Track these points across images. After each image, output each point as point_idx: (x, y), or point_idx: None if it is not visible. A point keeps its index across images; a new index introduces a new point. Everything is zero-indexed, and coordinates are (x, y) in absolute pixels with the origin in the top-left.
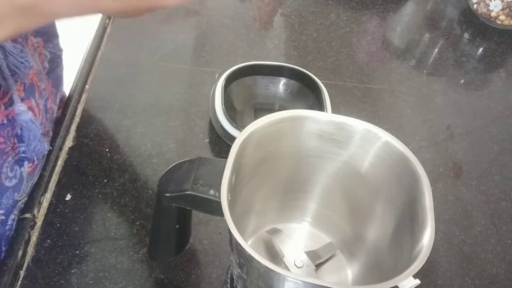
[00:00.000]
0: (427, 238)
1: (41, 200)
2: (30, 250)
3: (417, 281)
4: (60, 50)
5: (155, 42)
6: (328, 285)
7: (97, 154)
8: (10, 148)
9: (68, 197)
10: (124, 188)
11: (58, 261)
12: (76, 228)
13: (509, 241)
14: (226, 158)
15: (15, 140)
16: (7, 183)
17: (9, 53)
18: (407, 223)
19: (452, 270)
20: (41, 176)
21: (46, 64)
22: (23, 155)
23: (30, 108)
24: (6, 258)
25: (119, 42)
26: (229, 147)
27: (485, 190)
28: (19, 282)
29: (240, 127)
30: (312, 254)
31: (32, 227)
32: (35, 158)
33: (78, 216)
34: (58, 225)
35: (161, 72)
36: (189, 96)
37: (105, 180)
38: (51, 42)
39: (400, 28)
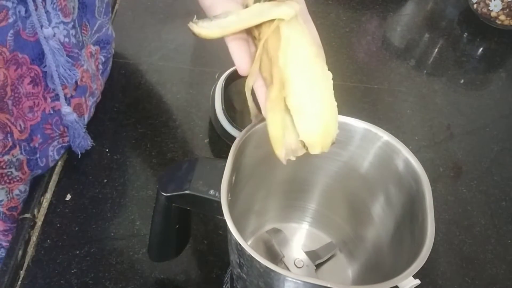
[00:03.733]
0: (427, 238)
1: (41, 200)
2: (30, 250)
3: (417, 281)
4: (111, 52)
5: (155, 42)
6: (328, 285)
7: (97, 154)
8: (57, 134)
9: (68, 197)
10: (124, 188)
11: (58, 261)
12: (76, 228)
13: (509, 241)
14: (226, 158)
15: (65, 129)
16: (51, 164)
17: (61, 66)
18: (407, 223)
19: (452, 270)
20: (41, 176)
21: (100, 66)
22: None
23: (78, 105)
24: (6, 258)
25: (119, 42)
26: (229, 147)
27: (485, 190)
28: (19, 282)
29: (240, 127)
30: (312, 254)
31: (32, 227)
32: (79, 152)
33: (78, 216)
34: (58, 225)
35: (161, 72)
36: (189, 96)
37: (105, 180)
38: (105, 48)
39: (400, 28)
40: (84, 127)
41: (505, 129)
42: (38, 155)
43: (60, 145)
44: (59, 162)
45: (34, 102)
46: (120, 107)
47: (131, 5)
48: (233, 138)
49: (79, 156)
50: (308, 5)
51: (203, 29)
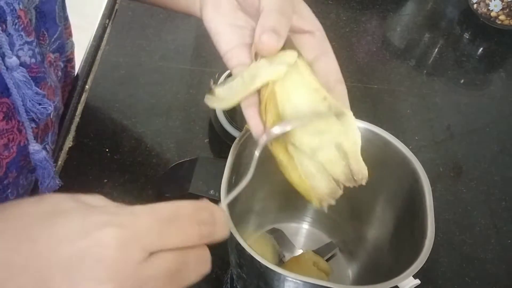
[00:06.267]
0: (427, 238)
1: None
2: None
3: (417, 281)
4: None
5: (155, 42)
6: (328, 285)
7: (97, 154)
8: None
9: None
10: (124, 188)
11: None
12: None
13: (509, 241)
14: (226, 158)
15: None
16: (20, 191)
17: (29, 100)
18: (407, 223)
19: (452, 270)
20: None
21: (60, 73)
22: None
23: (45, 125)
24: None
25: (119, 42)
26: (229, 147)
27: (485, 190)
28: None
29: (240, 127)
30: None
31: None
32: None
33: None
34: None
35: (161, 72)
36: (189, 96)
37: (105, 180)
38: (64, 54)
39: (400, 28)
40: (54, 166)
41: (505, 129)
42: (9, 190)
43: (27, 170)
44: (59, 162)
45: (8, 138)
46: (120, 107)
47: (131, 5)
48: (233, 138)
49: (79, 156)
50: (308, 5)
51: (216, 103)
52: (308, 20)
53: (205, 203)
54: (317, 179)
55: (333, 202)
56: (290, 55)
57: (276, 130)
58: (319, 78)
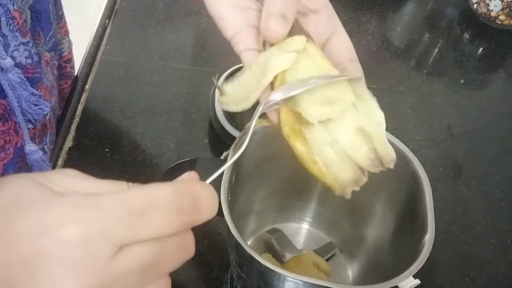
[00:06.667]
0: (427, 238)
1: None
2: None
3: (417, 281)
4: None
5: (155, 42)
6: (328, 285)
7: (97, 154)
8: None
9: None
10: None
11: None
12: None
13: (509, 241)
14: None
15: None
16: None
17: (25, 101)
18: (407, 223)
19: (452, 270)
20: None
21: (56, 72)
22: None
23: (43, 126)
24: None
25: (119, 42)
26: (229, 147)
27: (485, 190)
28: None
29: (240, 127)
30: None
31: None
32: None
33: None
34: None
35: (161, 72)
36: (189, 96)
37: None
38: (58, 51)
39: (400, 28)
40: (50, 163)
41: (505, 129)
42: None
43: (25, 172)
44: (59, 162)
45: (5, 140)
46: (120, 107)
47: (131, 5)
48: (233, 138)
49: (79, 156)
50: None
51: (231, 105)
52: None
53: (187, 186)
54: (339, 167)
55: (357, 189)
56: (298, 41)
57: (277, 96)
58: (331, 59)
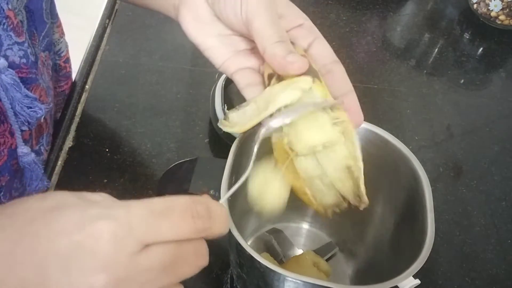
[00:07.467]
0: (427, 238)
1: None
2: None
3: (417, 281)
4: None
5: (155, 42)
6: (328, 285)
7: (97, 154)
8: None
9: None
10: (124, 188)
11: None
12: None
13: (509, 241)
14: (226, 158)
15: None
16: (14, 194)
17: (18, 103)
18: (407, 223)
19: (452, 270)
20: None
21: (51, 72)
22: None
23: (39, 126)
24: None
25: (119, 42)
26: (229, 147)
27: (485, 190)
28: None
29: None
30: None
31: None
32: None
33: None
34: None
35: (161, 72)
36: (189, 96)
37: (105, 180)
38: (52, 51)
39: (400, 28)
40: (43, 166)
41: (505, 129)
42: (1, 193)
43: (20, 173)
44: (59, 162)
45: (0, 142)
46: (120, 107)
47: (131, 5)
48: (233, 138)
49: (79, 156)
50: (308, 5)
51: (229, 127)
52: (294, 14)
53: (202, 198)
54: (325, 194)
55: (337, 210)
56: (305, 81)
57: (275, 123)
58: (315, 62)
